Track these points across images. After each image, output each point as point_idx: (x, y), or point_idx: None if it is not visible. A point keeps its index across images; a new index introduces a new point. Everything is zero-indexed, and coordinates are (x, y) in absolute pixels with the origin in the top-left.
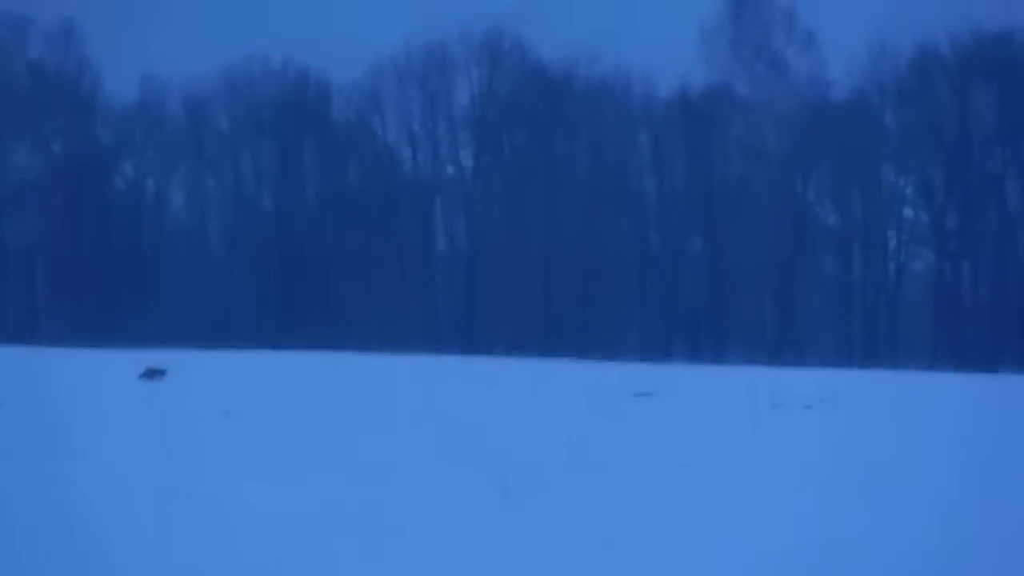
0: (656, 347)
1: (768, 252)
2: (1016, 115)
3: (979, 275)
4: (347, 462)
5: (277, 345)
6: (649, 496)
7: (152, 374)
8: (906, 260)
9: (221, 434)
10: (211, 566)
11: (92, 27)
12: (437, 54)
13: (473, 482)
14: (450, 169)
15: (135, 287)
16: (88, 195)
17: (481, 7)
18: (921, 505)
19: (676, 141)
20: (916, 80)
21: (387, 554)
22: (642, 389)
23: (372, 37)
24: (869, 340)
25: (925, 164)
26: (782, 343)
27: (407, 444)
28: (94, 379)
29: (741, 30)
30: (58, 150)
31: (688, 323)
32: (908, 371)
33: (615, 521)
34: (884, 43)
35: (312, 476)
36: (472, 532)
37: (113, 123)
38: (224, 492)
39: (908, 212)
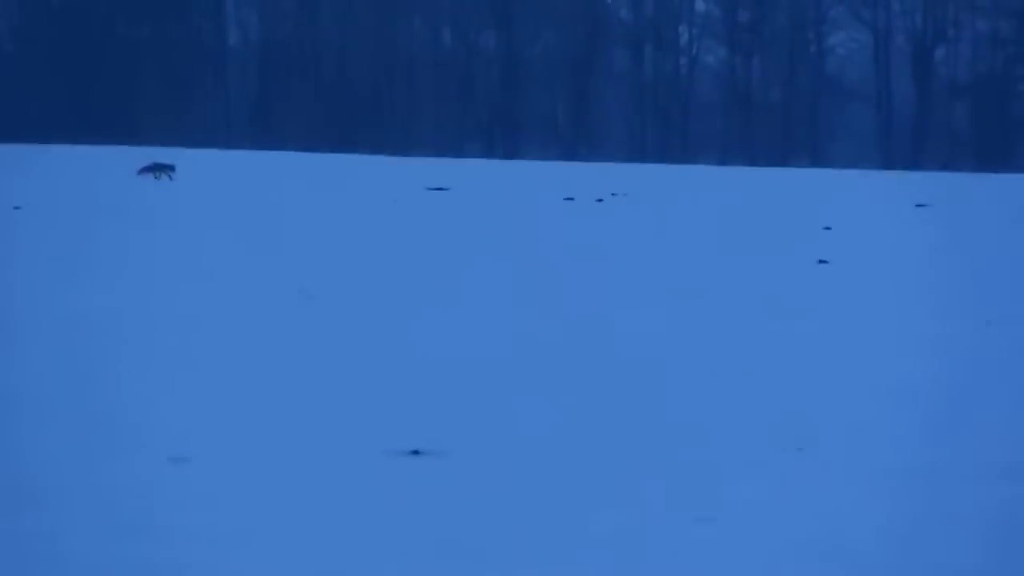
0: (450, 143)
1: (561, 47)
2: None
3: (769, 70)
4: (126, 260)
5: (70, 140)
6: (439, 292)
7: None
8: (698, 55)
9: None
10: None
11: None
12: None
13: (265, 280)
14: None
15: None
16: None
17: None
18: (713, 298)
19: None
20: None
21: (152, 363)
22: (436, 184)
23: None
24: (661, 135)
25: None
26: (576, 138)
27: (202, 240)
28: None
29: None
30: None
31: (482, 119)
32: (700, 165)
33: (407, 325)
34: None
35: (84, 275)
36: (259, 338)
37: None
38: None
39: (700, 6)
